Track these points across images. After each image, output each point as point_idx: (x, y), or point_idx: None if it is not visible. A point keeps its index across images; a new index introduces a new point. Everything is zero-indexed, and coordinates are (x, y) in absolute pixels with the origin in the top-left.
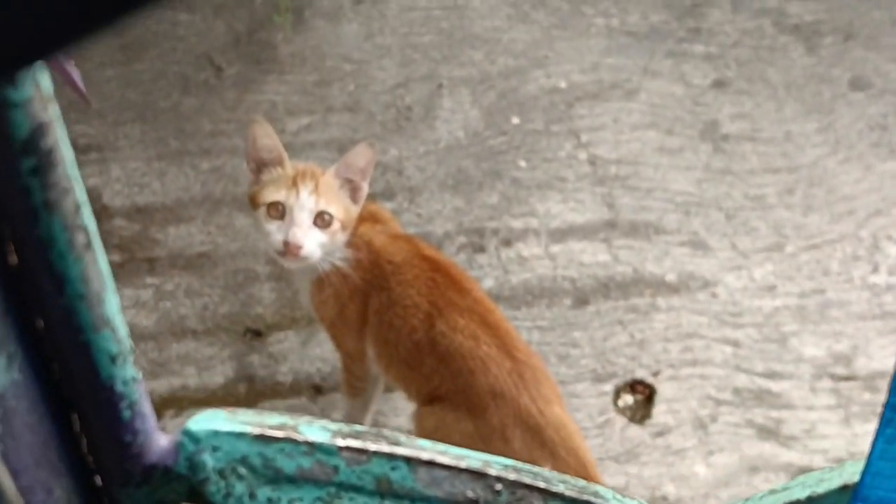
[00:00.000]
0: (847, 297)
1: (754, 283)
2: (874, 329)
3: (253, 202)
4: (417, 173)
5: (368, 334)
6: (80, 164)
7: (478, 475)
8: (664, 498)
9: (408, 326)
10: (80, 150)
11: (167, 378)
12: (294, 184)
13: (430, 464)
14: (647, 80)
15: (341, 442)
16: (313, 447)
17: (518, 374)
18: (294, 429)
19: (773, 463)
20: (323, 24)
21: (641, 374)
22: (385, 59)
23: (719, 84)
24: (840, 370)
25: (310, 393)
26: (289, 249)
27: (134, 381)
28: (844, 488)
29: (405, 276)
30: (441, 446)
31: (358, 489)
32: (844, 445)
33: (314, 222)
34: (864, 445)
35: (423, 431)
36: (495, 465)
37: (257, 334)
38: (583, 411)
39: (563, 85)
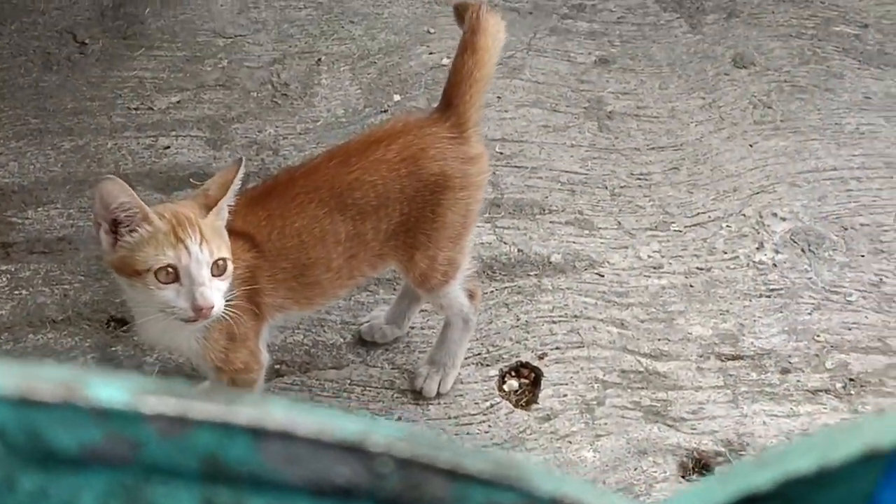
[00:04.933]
0: (733, 276)
1: (640, 262)
2: (760, 307)
3: (123, 269)
4: (294, 152)
5: (268, 304)
6: None
7: (354, 451)
8: None
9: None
10: None
11: None
12: (178, 238)
13: (285, 435)
14: (531, 57)
15: (149, 404)
16: (106, 414)
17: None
18: (78, 386)
19: (661, 445)
20: None
21: (527, 357)
22: (260, 34)
23: (603, 61)
24: (727, 349)
25: None
26: (201, 314)
27: None
28: (871, 455)
29: (273, 225)
30: (303, 409)
31: (174, 472)
32: (733, 426)
33: (212, 273)
34: (754, 426)
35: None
36: (380, 435)
37: (122, 323)
38: (468, 396)
39: (445, 61)
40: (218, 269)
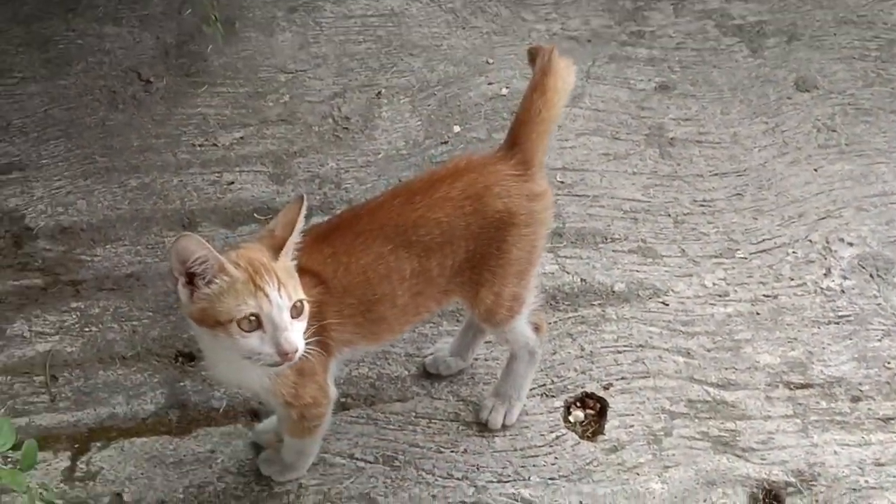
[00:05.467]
0: (800, 303)
1: (705, 290)
2: (829, 334)
3: (204, 320)
4: (357, 185)
5: (336, 340)
6: (2, 185)
7: None
8: None
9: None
10: (1, 169)
11: (94, 407)
12: (257, 286)
13: None
14: (591, 85)
15: None
16: None
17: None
18: None
19: (730, 476)
20: (255, 34)
21: (592, 387)
22: (321, 69)
23: (663, 87)
24: (796, 378)
25: (246, 419)
26: (287, 357)
27: None
28: None
29: (339, 262)
30: None
31: None
32: (804, 456)
33: (291, 315)
34: (824, 456)
35: None
36: None
37: (190, 358)
38: (533, 428)
39: (504, 91)
40: (296, 311)
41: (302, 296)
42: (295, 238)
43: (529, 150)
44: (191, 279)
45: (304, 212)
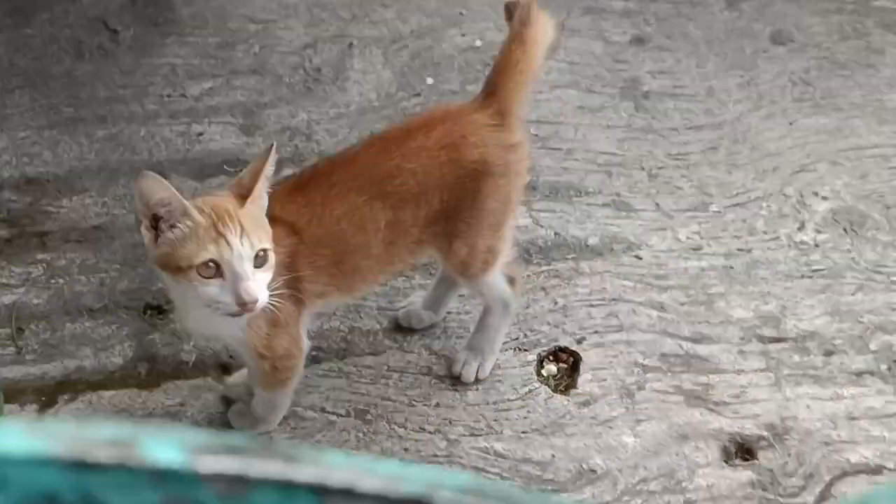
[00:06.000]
0: (774, 256)
1: (679, 244)
2: (802, 288)
3: (167, 265)
4: (328, 137)
5: (309, 291)
6: None
7: None
8: (592, 470)
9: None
10: None
11: (61, 360)
12: (218, 233)
13: (348, 493)
14: (566, 38)
15: (207, 464)
16: (162, 475)
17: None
18: (132, 446)
19: (703, 430)
20: None
21: (565, 341)
22: (291, 19)
23: (639, 40)
24: (769, 332)
25: (216, 372)
26: (246, 308)
27: None
28: None
29: (313, 212)
30: (364, 462)
31: None
32: (776, 410)
33: (254, 265)
34: (797, 410)
35: None
36: (447, 490)
37: (159, 311)
38: (506, 382)
39: (478, 43)
40: (260, 261)
41: (267, 245)
42: (262, 186)
43: (506, 100)
44: (155, 222)
45: (272, 160)
